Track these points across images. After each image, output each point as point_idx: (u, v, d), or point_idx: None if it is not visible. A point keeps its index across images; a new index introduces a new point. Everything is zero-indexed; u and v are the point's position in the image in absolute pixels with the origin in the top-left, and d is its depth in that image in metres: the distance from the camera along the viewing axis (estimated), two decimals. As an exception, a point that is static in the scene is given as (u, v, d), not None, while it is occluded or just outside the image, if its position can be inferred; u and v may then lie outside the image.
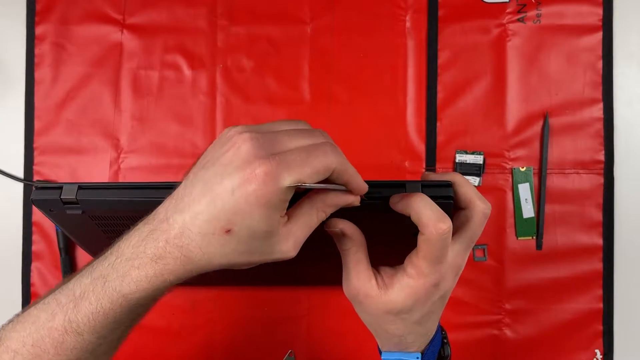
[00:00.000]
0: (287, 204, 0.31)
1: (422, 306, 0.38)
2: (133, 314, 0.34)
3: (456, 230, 0.37)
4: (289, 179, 0.29)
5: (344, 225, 0.37)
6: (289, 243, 0.32)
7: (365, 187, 0.34)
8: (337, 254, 0.53)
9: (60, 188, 0.38)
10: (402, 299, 0.37)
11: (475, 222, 0.37)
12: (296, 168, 0.30)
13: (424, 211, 0.34)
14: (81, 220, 0.41)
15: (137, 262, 0.31)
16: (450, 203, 0.36)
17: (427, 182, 0.37)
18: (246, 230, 0.30)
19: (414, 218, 0.34)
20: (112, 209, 0.39)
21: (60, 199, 0.38)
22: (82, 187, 0.38)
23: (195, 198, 0.30)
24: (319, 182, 0.31)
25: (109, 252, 0.33)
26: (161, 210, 0.32)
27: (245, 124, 0.31)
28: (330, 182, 0.32)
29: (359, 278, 0.38)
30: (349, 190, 0.34)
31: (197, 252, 0.31)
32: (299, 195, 0.33)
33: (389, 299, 0.37)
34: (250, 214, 0.29)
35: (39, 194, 0.39)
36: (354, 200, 0.34)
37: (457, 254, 0.37)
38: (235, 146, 0.30)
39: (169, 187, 0.36)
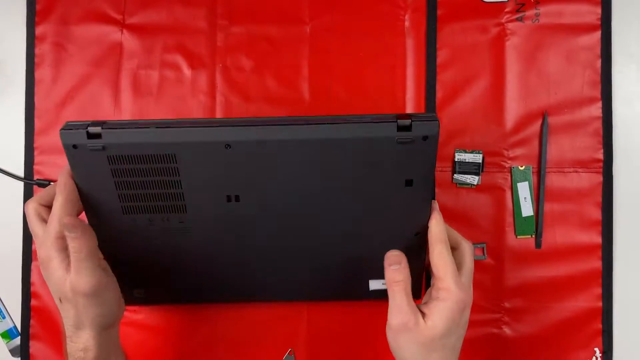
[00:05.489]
0: None
1: (457, 327, 0.44)
2: None
3: (459, 269, 0.45)
4: None
5: (404, 260, 0.46)
6: None
7: None
8: (336, 269, 0.56)
9: (86, 126, 0.43)
10: (443, 322, 0.43)
11: (468, 259, 0.46)
12: None
13: (451, 230, 0.46)
14: (98, 166, 0.45)
15: None
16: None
17: (406, 115, 0.44)
18: None
19: (452, 239, 0.46)
20: (133, 145, 0.44)
21: (87, 131, 0.43)
22: (106, 124, 0.43)
23: None
24: None
25: None
26: None
27: None
28: None
29: (407, 311, 0.43)
30: None
31: None
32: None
33: (434, 324, 0.43)
34: None
35: (67, 128, 0.44)
36: None
37: (468, 287, 0.45)
38: None
39: (190, 126, 0.43)
